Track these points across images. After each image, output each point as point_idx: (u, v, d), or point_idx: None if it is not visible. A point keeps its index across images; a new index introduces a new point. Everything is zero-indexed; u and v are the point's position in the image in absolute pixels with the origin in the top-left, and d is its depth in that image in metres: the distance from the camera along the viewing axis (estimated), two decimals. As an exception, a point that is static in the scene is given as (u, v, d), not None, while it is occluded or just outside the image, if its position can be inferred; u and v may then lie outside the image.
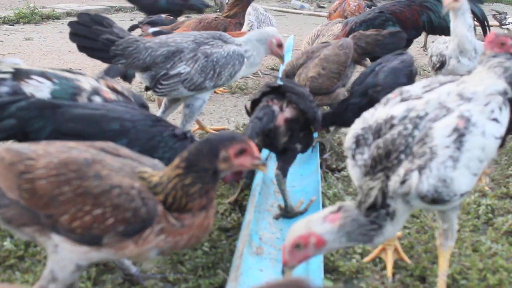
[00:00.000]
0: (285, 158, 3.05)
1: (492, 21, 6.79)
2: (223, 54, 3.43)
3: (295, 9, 12.94)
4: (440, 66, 4.16)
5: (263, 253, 2.68)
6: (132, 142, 2.44)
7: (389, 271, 2.59)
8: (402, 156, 2.01)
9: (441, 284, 2.33)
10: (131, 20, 7.22)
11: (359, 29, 4.91)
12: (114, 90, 2.83)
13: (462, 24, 3.90)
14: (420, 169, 1.97)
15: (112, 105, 2.61)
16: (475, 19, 5.36)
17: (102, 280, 2.48)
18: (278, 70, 6.35)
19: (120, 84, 2.95)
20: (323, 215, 2.03)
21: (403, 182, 1.98)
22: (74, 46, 3.29)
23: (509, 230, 2.98)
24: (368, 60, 4.32)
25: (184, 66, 3.37)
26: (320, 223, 2.01)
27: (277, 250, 2.72)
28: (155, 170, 1.93)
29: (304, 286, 1.07)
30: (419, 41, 7.58)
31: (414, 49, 7.75)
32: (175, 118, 4.47)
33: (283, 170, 3.03)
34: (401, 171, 1.99)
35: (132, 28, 5.70)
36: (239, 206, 3.17)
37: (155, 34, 4.18)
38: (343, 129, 3.95)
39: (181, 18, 6.05)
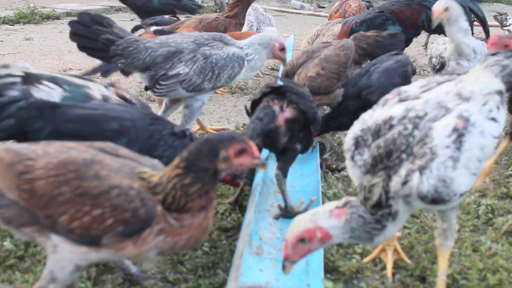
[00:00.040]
0: (285, 158, 3.05)
1: (491, 22, 6.79)
2: (223, 56, 3.43)
3: (295, 9, 12.94)
4: (440, 67, 4.16)
5: (263, 253, 2.68)
6: (132, 141, 2.44)
7: (389, 271, 2.59)
8: (404, 156, 2.01)
9: (441, 284, 2.33)
10: (131, 20, 7.22)
11: (359, 29, 4.91)
12: (123, 98, 2.82)
13: (457, 30, 3.86)
14: (421, 169, 1.97)
15: (111, 104, 2.61)
16: (476, 19, 5.37)
17: (102, 280, 2.48)
18: (278, 70, 6.35)
19: (128, 92, 2.95)
20: (329, 209, 2.02)
21: (404, 183, 1.98)
22: (74, 46, 3.29)
23: (509, 230, 2.98)
24: (368, 61, 4.32)
25: (183, 67, 3.36)
26: (326, 217, 2.00)
27: (277, 250, 2.72)
28: (155, 170, 1.93)
29: None
30: (419, 41, 7.58)
31: (414, 49, 7.76)
32: (175, 118, 4.47)
33: (283, 170, 3.03)
34: (402, 172, 1.99)
35: (136, 28, 5.71)
36: (239, 206, 3.17)
37: (156, 32, 4.18)
38: (343, 129, 3.95)
39: (182, 18, 6.06)
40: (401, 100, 2.20)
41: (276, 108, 2.93)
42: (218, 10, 10.37)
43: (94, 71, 4.12)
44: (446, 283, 2.37)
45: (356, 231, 2.01)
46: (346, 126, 3.79)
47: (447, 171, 1.97)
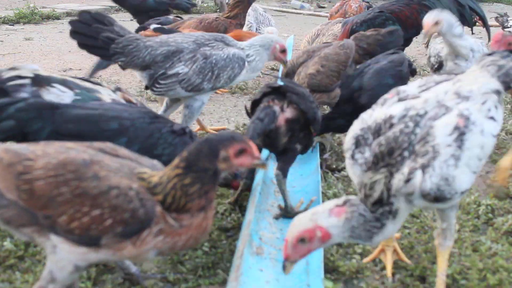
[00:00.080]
0: (285, 158, 3.05)
1: (492, 23, 6.78)
2: (223, 57, 3.42)
3: (295, 9, 12.94)
4: (438, 67, 4.16)
5: (263, 253, 2.68)
6: (131, 140, 2.44)
7: (388, 271, 2.59)
8: (406, 154, 2.02)
9: (440, 284, 2.33)
10: (131, 20, 7.22)
11: (359, 29, 4.90)
12: (130, 102, 2.82)
13: (451, 37, 3.84)
14: (424, 167, 1.98)
15: (109, 104, 2.61)
16: (478, 19, 5.36)
17: (102, 280, 2.48)
18: (278, 70, 6.35)
19: (134, 97, 2.95)
20: (329, 208, 2.01)
21: (407, 181, 1.98)
22: (74, 46, 3.30)
23: (509, 230, 2.98)
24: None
25: (183, 66, 3.36)
26: (326, 216, 1.99)
27: (277, 250, 2.72)
28: (154, 171, 1.93)
29: None
30: (419, 41, 7.58)
31: (414, 49, 7.76)
32: (175, 118, 4.47)
33: (283, 170, 3.03)
34: (405, 169, 1.99)
35: (140, 29, 5.73)
36: (239, 206, 3.17)
37: (156, 30, 4.18)
38: (343, 129, 3.95)
39: (185, 18, 6.08)
40: (400, 100, 2.20)
41: (276, 108, 2.93)
42: (218, 10, 10.36)
43: (95, 71, 4.13)
44: (446, 283, 2.37)
45: (356, 229, 2.01)
46: (343, 128, 3.80)
47: (449, 170, 1.98)
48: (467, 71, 2.44)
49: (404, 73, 3.68)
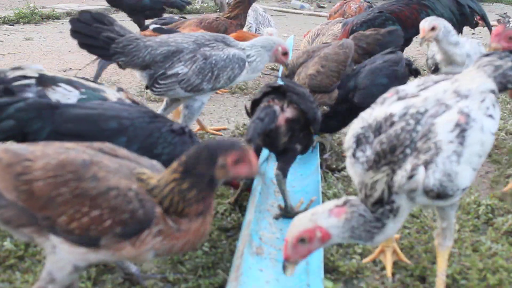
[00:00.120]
0: (285, 158, 3.05)
1: (493, 23, 6.76)
2: (222, 57, 3.42)
3: (295, 9, 12.95)
4: (435, 69, 4.16)
5: (263, 253, 2.68)
6: (131, 140, 2.44)
7: (388, 272, 2.59)
8: (408, 151, 2.02)
9: (440, 284, 2.33)
10: (131, 20, 7.22)
11: (359, 30, 4.90)
12: (133, 102, 2.83)
13: (447, 44, 3.84)
14: (426, 164, 1.98)
15: (109, 104, 2.61)
16: (478, 18, 5.35)
17: (102, 280, 2.48)
18: (278, 70, 6.35)
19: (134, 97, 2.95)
20: (329, 208, 2.01)
21: (410, 177, 1.98)
22: (74, 46, 3.30)
23: (509, 230, 2.98)
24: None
25: (182, 66, 3.36)
26: (326, 216, 1.99)
27: (277, 250, 2.72)
28: (154, 171, 1.93)
29: None
30: (419, 40, 7.56)
31: (414, 49, 7.76)
32: (173, 119, 4.46)
33: (283, 170, 3.03)
34: (408, 166, 2.00)
35: (145, 29, 5.74)
36: (239, 206, 3.17)
37: (156, 30, 4.18)
38: (343, 129, 3.95)
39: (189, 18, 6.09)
40: (399, 98, 2.21)
41: (276, 108, 2.93)
42: (218, 10, 10.36)
43: (99, 73, 4.14)
44: (446, 283, 2.37)
45: (356, 230, 2.01)
46: (339, 127, 3.79)
47: (452, 166, 1.99)
48: (464, 71, 2.45)
49: (399, 73, 3.65)
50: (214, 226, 2.94)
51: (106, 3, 7.00)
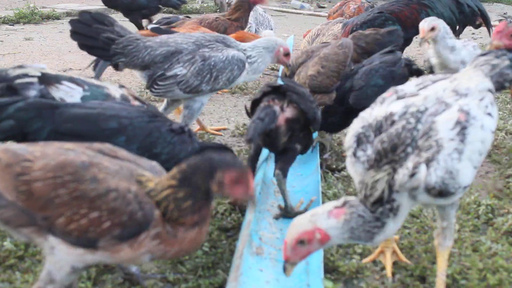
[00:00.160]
0: (285, 158, 3.05)
1: (494, 24, 6.76)
2: (222, 59, 3.41)
3: (295, 9, 12.95)
4: (430, 72, 4.16)
5: (263, 253, 2.68)
6: (130, 139, 2.44)
7: (388, 272, 2.59)
8: (409, 149, 2.02)
9: (440, 284, 2.33)
10: (128, 20, 7.23)
11: (359, 30, 4.90)
12: (135, 98, 2.83)
13: (443, 48, 3.84)
14: (428, 161, 1.99)
15: (108, 103, 2.61)
16: (480, 18, 5.34)
17: (102, 280, 2.48)
18: (278, 70, 6.35)
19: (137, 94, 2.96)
20: (328, 210, 2.01)
21: (412, 175, 1.99)
22: (74, 46, 3.29)
23: (509, 230, 2.98)
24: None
25: (181, 68, 3.36)
26: (325, 217, 1.99)
27: (277, 250, 2.72)
28: (153, 173, 1.93)
29: None
30: (419, 40, 7.55)
31: (414, 49, 7.75)
32: (174, 118, 4.46)
33: (283, 170, 3.03)
34: (409, 164, 2.00)
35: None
36: (239, 206, 3.17)
37: (154, 30, 4.18)
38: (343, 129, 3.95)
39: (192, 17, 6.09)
40: (399, 98, 2.21)
41: (276, 108, 2.94)
42: (218, 10, 10.36)
43: (100, 73, 4.14)
44: (446, 283, 2.37)
45: (356, 231, 2.01)
46: (337, 127, 3.78)
47: (453, 163, 2.00)
48: (461, 71, 2.46)
49: (396, 74, 3.63)
50: (214, 226, 2.94)
51: (106, 3, 7.03)
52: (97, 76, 4.11)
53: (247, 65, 3.50)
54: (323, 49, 3.90)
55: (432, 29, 3.74)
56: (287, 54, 3.61)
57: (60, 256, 1.84)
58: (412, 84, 2.32)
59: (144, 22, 6.70)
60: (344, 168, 3.69)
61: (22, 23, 9.45)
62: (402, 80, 3.62)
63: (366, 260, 2.68)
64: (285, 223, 2.97)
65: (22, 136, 2.37)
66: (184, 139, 2.58)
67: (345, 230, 2.00)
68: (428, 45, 3.92)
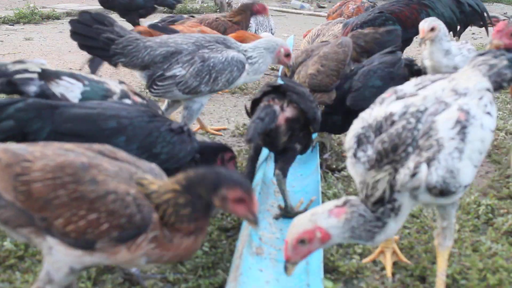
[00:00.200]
0: (285, 158, 3.05)
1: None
2: (221, 60, 3.40)
3: (295, 9, 12.95)
4: (424, 73, 4.15)
5: (263, 253, 2.68)
6: (130, 139, 2.44)
7: (388, 272, 2.59)
8: (410, 149, 2.03)
9: (440, 284, 2.33)
10: (125, 20, 7.25)
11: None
12: (135, 94, 2.83)
13: (437, 50, 3.82)
14: (429, 161, 1.99)
15: (108, 103, 2.62)
16: (495, 20, 5.33)
17: (102, 280, 2.48)
18: (278, 70, 6.35)
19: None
20: (328, 209, 2.01)
21: (413, 175, 1.99)
22: (74, 46, 3.30)
23: (509, 230, 2.98)
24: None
25: (180, 68, 3.35)
26: (325, 217, 1.98)
27: (277, 250, 2.72)
28: (152, 175, 1.93)
29: None
30: (419, 41, 7.55)
31: (414, 49, 7.75)
32: (175, 118, 4.46)
33: (283, 170, 3.03)
34: (410, 164, 2.00)
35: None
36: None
37: (151, 27, 4.18)
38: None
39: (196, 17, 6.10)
40: (398, 98, 2.22)
41: (276, 107, 2.94)
42: (218, 10, 10.36)
43: (96, 70, 4.14)
44: (446, 283, 2.37)
45: (357, 230, 2.01)
46: (336, 128, 3.78)
47: (454, 162, 2.00)
48: (459, 71, 2.46)
49: (395, 74, 3.62)
50: (214, 226, 2.94)
51: (106, 3, 7.04)
52: (93, 73, 4.11)
53: (247, 66, 3.50)
54: (322, 48, 3.90)
55: (432, 29, 3.74)
56: (288, 55, 3.61)
57: (58, 257, 1.84)
58: (411, 84, 2.33)
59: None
60: (344, 168, 3.70)
61: (22, 23, 9.45)
62: (402, 80, 3.60)
63: (366, 260, 2.69)
64: (285, 223, 2.97)
65: (22, 136, 2.37)
66: (183, 139, 2.58)
67: (346, 229, 2.00)
68: (425, 46, 3.91)
